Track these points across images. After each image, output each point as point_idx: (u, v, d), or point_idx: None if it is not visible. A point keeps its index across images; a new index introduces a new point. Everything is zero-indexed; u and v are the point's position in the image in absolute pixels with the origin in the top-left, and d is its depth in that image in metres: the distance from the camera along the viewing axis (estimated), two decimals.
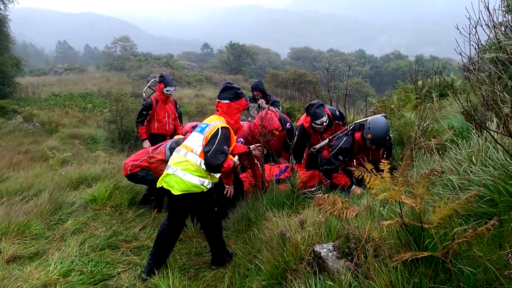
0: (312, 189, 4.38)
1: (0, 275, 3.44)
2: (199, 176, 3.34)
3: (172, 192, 3.30)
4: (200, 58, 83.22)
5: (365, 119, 4.39)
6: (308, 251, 2.92)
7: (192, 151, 3.41)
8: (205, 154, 3.33)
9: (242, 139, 4.61)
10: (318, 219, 3.15)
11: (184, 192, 3.29)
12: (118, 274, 3.64)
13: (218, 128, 3.40)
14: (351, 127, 4.37)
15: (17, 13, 26.19)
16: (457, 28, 3.51)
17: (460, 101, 2.95)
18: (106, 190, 5.58)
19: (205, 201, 3.49)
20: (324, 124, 4.65)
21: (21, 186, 6.02)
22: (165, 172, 3.47)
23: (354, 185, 4.25)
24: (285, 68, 62.79)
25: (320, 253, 2.72)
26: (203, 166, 3.34)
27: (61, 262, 3.68)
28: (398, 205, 2.29)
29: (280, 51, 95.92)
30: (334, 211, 3.27)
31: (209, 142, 3.36)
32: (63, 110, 20.34)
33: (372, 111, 5.60)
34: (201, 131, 3.49)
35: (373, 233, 2.66)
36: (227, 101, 3.59)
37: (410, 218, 2.31)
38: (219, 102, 3.64)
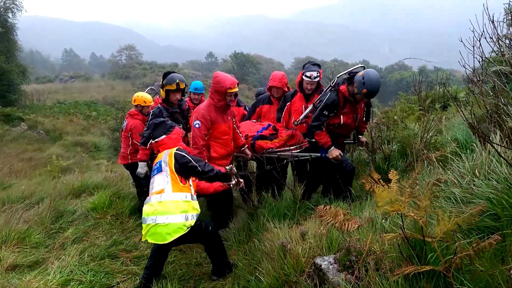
0: (292, 147, 4.46)
1: (0, 283, 3.42)
2: (181, 212, 3.19)
3: (164, 242, 3.17)
4: (205, 67, 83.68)
5: (347, 71, 4.35)
6: (308, 263, 2.88)
7: (163, 192, 3.25)
8: (195, 174, 3.45)
9: (198, 122, 4.23)
10: (320, 230, 3.11)
11: (178, 236, 3.16)
12: (117, 284, 3.62)
13: (173, 152, 3.43)
14: (333, 82, 4.36)
15: (24, 21, 26.50)
16: (461, 41, 3.50)
17: (463, 113, 2.93)
18: (107, 198, 5.57)
19: (198, 234, 3.40)
20: (314, 79, 4.58)
21: (23, 193, 6.04)
22: (144, 226, 3.26)
23: (333, 147, 4.17)
24: (289, 77, 62.89)
25: (321, 266, 2.68)
26: (185, 199, 3.25)
27: (60, 271, 3.67)
28: (400, 218, 2.27)
29: (283, 61, 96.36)
30: (335, 223, 3.23)
31: (184, 165, 3.37)
32: (68, 117, 20.46)
33: (375, 122, 5.57)
34: (159, 170, 3.39)
35: (374, 246, 2.62)
36: (164, 136, 3.57)
37: (412, 231, 2.28)
38: (156, 142, 3.63)
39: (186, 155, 3.42)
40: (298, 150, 4.54)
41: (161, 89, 4.90)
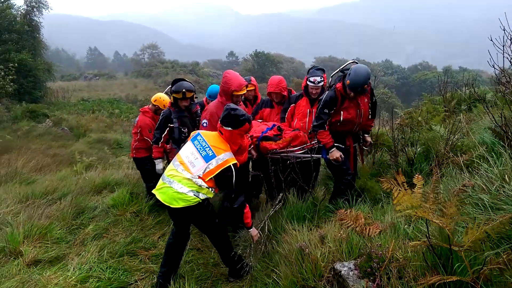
0: (295, 148, 4.41)
1: (21, 279, 3.49)
2: (195, 190, 3.20)
3: (170, 206, 3.21)
4: (226, 66, 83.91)
5: (339, 69, 4.40)
6: (327, 268, 2.81)
7: (192, 174, 3.23)
8: (224, 194, 3.35)
9: (206, 121, 4.26)
10: (339, 235, 3.03)
11: (182, 206, 3.18)
12: (135, 282, 3.64)
13: (230, 166, 3.23)
14: (331, 81, 4.41)
15: (50, 19, 27.23)
16: (491, 40, 3.35)
17: (493, 116, 2.80)
18: (127, 195, 5.63)
19: (203, 213, 3.35)
20: (317, 84, 4.56)
21: (46, 189, 6.15)
22: (160, 181, 3.36)
23: (334, 148, 4.20)
24: None
25: (340, 272, 2.61)
26: (203, 187, 3.21)
27: (79, 268, 3.71)
28: (425, 224, 2.18)
29: (305, 60, 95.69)
30: (356, 227, 3.16)
31: (224, 181, 3.25)
32: (92, 115, 20.86)
33: (398, 123, 5.43)
34: (206, 159, 3.26)
35: (397, 253, 2.53)
36: (230, 129, 3.33)
37: (438, 239, 2.19)
38: (221, 127, 3.38)
39: (230, 179, 3.25)
40: (301, 152, 4.50)
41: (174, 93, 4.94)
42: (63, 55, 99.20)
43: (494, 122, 3.45)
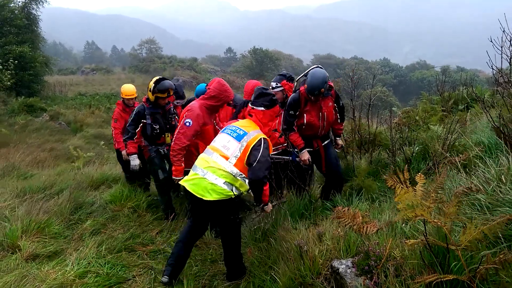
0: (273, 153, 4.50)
1: (19, 273, 3.50)
2: (230, 182, 3.14)
3: (203, 198, 3.10)
4: (224, 62, 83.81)
5: (304, 73, 4.50)
6: (325, 265, 2.84)
7: (227, 159, 3.18)
8: (249, 166, 3.15)
9: (190, 121, 4.29)
10: (337, 233, 3.07)
11: (215, 199, 3.10)
12: (134, 277, 3.64)
13: (261, 139, 3.21)
14: (296, 85, 4.60)
15: (48, 12, 27.03)
16: (491, 41, 3.38)
17: (490, 116, 2.83)
18: (125, 191, 5.63)
19: (232, 209, 3.29)
20: (272, 89, 4.78)
21: (43, 184, 6.14)
22: (192, 173, 3.28)
23: (305, 150, 4.37)
24: None
25: (338, 269, 2.64)
26: (238, 177, 3.17)
27: (78, 263, 3.71)
28: (423, 223, 2.20)
29: (303, 57, 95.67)
30: (353, 225, 3.19)
31: (252, 153, 3.16)
32: (89, 109, 20.78)
33: (396, 122, 5.47)
34: (238, 138, 3.25)
35: (394, 251, 2.56)
36: (262, 108, 3.33)
37: (435, 238, 2.21)
38: (253, 108, 3.40)
39: (266, 151, 3.21)
40: (274, 153, 4.64)
41: (149, 92, 5.01)
42: (60, 49, 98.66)
43: (492, 122, 3.47)
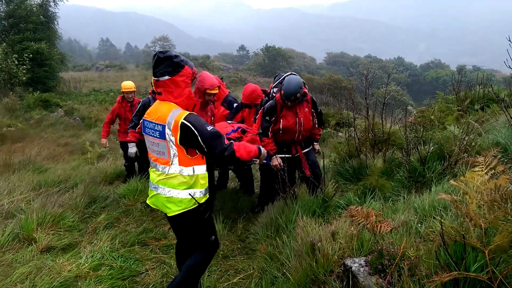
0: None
1: (35, 265, 3.56)
2: (186, 188, 2.68)
3: (165, 212, 2.78)
4: (236, 60, 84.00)
5: (279, 80, 4.67)
6: (338, 263, 2.83)
7: (169, 164, 2.67)
8: (202, 153, 2.72)
9: None
10: (350, 231, 3.04)
11: (177, 213, 2.70)
12: (146, 271, 3.68)
13: (182, 122, 2.56)
14: (272, 92, 4.76)
15: (64, 10, 27.33)
16: (509, 40, 3.31)
17: (510, 116, 2.78)
18: (138, 186, 5.69)
19: (199, 220, 2.79)
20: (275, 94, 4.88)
21: (58, 178, 6.23)
22: (149, 189, 2.89)
23: (276, 155, 4.47)
24: (320, 73, 62.33)
25: (351, 267, 2.62)
26: (191, 173, 2.70)
27: (92, 256, 3.76)
28: (439, 224, 2.18)
29: (316, 56, 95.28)
30: (367, 224, 3.16)
31: (189, 140, 2.61)
32: (103, 105, 21.01)
33: (411, 122, 5.40)
34: (162, 136, 2.65)
35: (409, 251, 2.53)
36: (167, 77, 2.63)
37: (452, 238, 2.18)
38: (157, 80, 2.69)
39: (195, 127, 2.58)
40: None
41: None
42: (75, 46, 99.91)
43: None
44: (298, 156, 4.66)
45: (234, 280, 3.53)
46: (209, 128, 2.62)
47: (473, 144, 4.20)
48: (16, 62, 19.74)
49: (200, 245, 2.88)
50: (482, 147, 4.27)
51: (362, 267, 2.61)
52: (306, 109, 4.51)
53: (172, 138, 2.60)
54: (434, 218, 3.02)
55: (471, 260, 2.08)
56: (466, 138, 4.18)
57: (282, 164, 4.43)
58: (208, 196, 2.85)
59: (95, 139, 13.00)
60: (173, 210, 2.70)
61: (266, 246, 3.79)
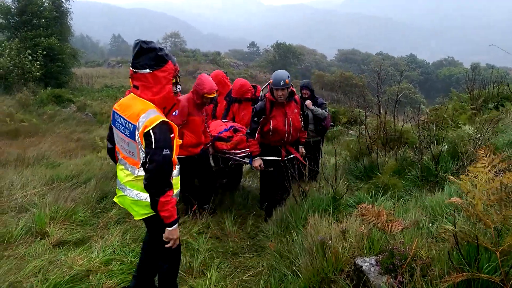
0: (238, 151, 4.89)
1: (47, 258, 3.61)
2: None
3: (134, 216, 2.69)
4: (246, 56, 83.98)
5: (268, 83, 4.75)
6: (348, 262, 2.81)
7: (138, 166, 2.53)
8: (143, 161, 2.45)
9: (176, 111, 4.36)
10: (361, 230, 3.02)
11: (144, 217, 2.62)
12: None
13: (148, 130, 2.36)
14: (262, 94, 4.94)
15: (76, 6, 27.57)
16: None
17: None
18: None
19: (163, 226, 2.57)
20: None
21: (71, 173, 6.30)
22: (117, 187, 2.77)
23: (258, 157, 4.59)
24: (331, 70, 61.97)
25: (361, 267, 2.61)
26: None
27: (103, 250, 3.80)
28: (452, 223, 2.15)
29: (326, 53, 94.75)
30: (378, 223, 3.13)
31: (148, 144, 2.38)
32: (114, 101, 21.14)
33: (423, 120, 5.34)
34: (132, 136, 2.46)
35: (420, 251, 2.50)
36: (148, 70, 2.41)
37: (465, 238, 2.15)
38: (135, 72, 2.47)
39: (156, 141, 2.36)
40: (244, 155, 5.00)
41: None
42: (87, 42, 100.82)
43: None
44: (288, 159, 4.67)
45: (244, 277, 3.54)
46: (165, 152, 2.36)
47: (487, 143, 4.14)
48: (30, 58, 19.99)
49: (164, 249, 2.66)
50: (497, 146, 4.20)
51: (373, 266, 2.59)
52: (295, 110, 4.57)
53: (140, 142, 2.42)
54: (446, 218, 2.99)
55: (484, 261, 2.06)
56: (481, 137, 4.12)
57: (262, 165, 4.57)
58: (177, 200, 2.68)
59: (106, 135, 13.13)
60: (140, 214, 2.58)
61: (276, 243, 3.79)
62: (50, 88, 19.63)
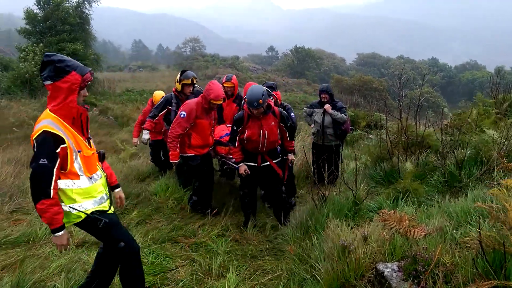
0: (231, 156, 4.87)
1: (70, 258, 3.69)
2: (65, 202, 2.52)
3: None
4: (265, 60, 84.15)
5: None
6: (369, 268, 2.78)
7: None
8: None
9: (185, 113, 4.83)
10: (383, 235, 2.98)
11: (70, 224, 2.60)
12: (176, 268, 3.74)
13: (36, 136, 2.41)
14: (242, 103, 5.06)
15: (98, 11, 28.28)
16: None
17: None
18: (169, 184, 5.80)
19: (94, 231, 2.69)
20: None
21: None
22: None
23: (242, 164, 4.69)
24: (350, 73, 61.47)
25: (383, 272, 2.57)
26: (63, 186, 2.51)
27: None
28: (477, 230, 2.10)
29: (346, 57, 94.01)
30: (400, 229, 3.09)
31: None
32: (135, 105, 21.53)
33: (446, 124, 5.24)
34: None
35: (444, 257, 2.45)
36: (50, 82, 2.45)
37: (491, 245, 2.10)
38: (43, 84, 2.63)
39: (35, 150, 2.41)
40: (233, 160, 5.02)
41: (177, 83, 5.75)
42: (109, 47, 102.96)
43: None
44: (264, 166, 4.75)
45: (263, 281, 3.53)
46: (42, 161, 2.35)
47: None
48: None
49: (114, 252, 2.78)
50: None
51: (395, 272, 2.56)
52: (272, 123, 4.61)
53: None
54: (470, 224, 2.92)
55: (511, 268, 2.00)
56: (506, 143, 4.01)
57: (248, 170, 4.66)
58: (96, 207, 2.64)
59: (127, 138, 13.35)
60: (65, 222, 2.52)
61: (295, 247, 3.78)
62: None
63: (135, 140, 7.27)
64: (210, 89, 4.78)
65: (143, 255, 3.85)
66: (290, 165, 5.33)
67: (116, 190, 3.10)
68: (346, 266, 2.77)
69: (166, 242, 4.27)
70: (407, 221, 3.17)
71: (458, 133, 4.99)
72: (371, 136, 11.01)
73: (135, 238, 4.13)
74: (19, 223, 4.59)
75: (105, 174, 2.86)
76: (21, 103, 16.81)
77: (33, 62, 20.01)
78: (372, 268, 2.75)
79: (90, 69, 2.60)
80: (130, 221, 4.83)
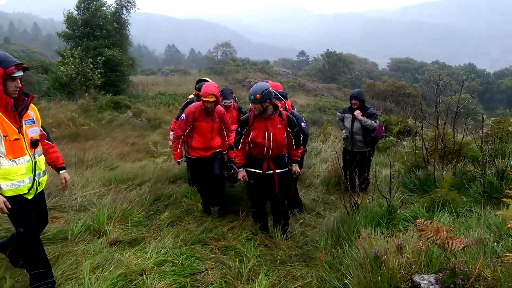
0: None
1: (104, 256, 3.79)
2: None
3: None
4: (295, 65, 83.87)
5: None
6: (404, 279, 2.69)
7: None
8: None
9: (184, 115, 5.05)
10: (419, 246, 2.88)
11: None
12: (206, 270, 3.75)
13: None
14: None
15: (135, 17, 29.15)
16: None
17: None
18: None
19: (8, 210, 2.91)
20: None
21: (127, 175, 6.59)
22: None
23: (242, 169, 4.61)
24: (382, 79, 60.30)
25: (419, 284, 2.49)
26: None
27: (156, 252, 3.91)
28: None
29: (378, 61, 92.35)
30: (437, 240, 2.98)
31: None
32: (167, 108, 21.99)
33: (486, 133, 5.02)
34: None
35: (485, 271, 2.34)
36: None
37: None
38: None
39: None
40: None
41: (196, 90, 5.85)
42: (144, 51, 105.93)
43: None
44: (268, 174, 4.55)
45: (293, 287, 3.49)
46: None
47: None
48: (91, 66, 21.38)
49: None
50: None
51: (432, 284, 2.46)
52: (279, 125, 4.44)
53: None
54: None
55: None
56: None
57: (246, 176, 4.58)
58: (12, 189, 2.89)
59: (159, 140, 13.64)
60: None
61: (326, 254, 3.72)
62: (109, 94, 20.81)
63: (170, 143, 7.45)
64: (203, 87, 4.95)
65: (174, 256, 3.89)
66: (294, 176, 5.05)
67: (61, 172, 3.45)
68: (379, 277, 2.69)
69: (196, 244, 4.29)
70: (444, 232, 3.06)
71: (498, 141, 4.78)
72: (404, 142, 10.72)
73: (166, 239, 4.23)
74: (56, 220, 4.76)
75: (34, 160, 3.05)
76: (59, 104, 17.53)
77: (72, 66, 20.86)
78: (407, 279, 2.66)
79: (17, 62, 2.78)
80: (162, 222, 4.90)
